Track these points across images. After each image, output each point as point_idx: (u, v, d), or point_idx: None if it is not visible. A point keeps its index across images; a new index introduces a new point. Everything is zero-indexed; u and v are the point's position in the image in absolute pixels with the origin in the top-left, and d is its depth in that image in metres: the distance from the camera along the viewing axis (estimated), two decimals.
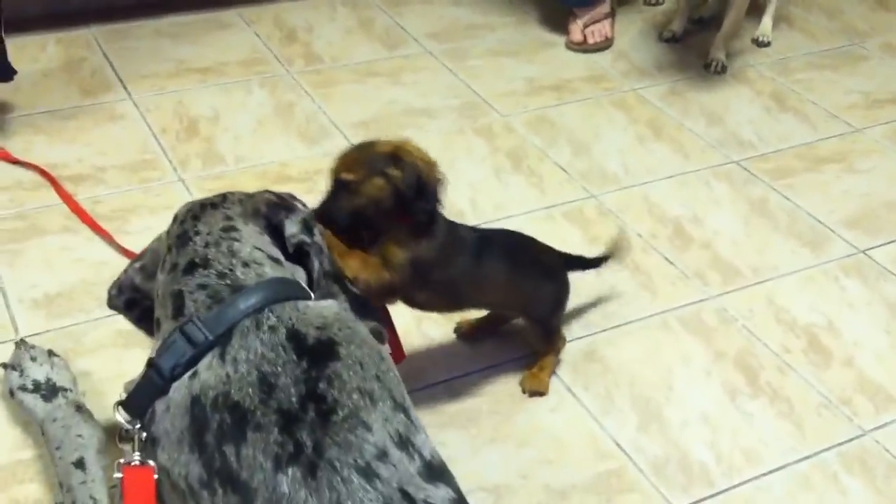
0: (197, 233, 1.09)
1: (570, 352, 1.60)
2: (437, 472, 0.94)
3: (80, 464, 1.24)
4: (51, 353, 1.44)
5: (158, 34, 2.47)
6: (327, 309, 1.03)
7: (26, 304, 1.61)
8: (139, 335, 1.53)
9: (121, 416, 1.01)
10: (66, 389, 1.38)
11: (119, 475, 0.96)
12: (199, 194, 1.88)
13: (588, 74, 2.50)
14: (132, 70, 2.31)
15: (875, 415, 1.56)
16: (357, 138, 2.13)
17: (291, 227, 1.14)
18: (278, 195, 1.19)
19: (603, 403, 1.53)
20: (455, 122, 2.24)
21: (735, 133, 2.30)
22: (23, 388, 1.38)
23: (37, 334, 1.55)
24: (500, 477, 1.39)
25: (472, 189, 2.00)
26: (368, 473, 0.90)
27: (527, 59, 2.55)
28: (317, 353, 0.97)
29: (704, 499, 1.40)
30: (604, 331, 1.67)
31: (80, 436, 1.28)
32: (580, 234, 1.90)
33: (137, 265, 1.21)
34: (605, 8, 2.64)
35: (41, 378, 1.39)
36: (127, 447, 0.99)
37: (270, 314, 0.99)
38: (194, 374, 0.97)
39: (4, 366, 1.42)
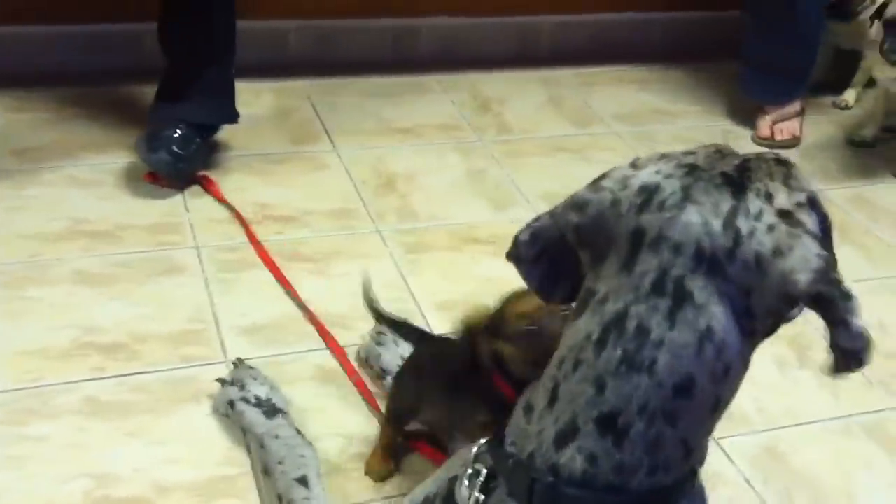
0: None
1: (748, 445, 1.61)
2: None
3: (303, 481, 1.33)
4: (266, 377, 1.55)
5: (364, 93, 2.63)
6: None
7: (235, 331, 1.73)
8: (338, 372, 1.64)
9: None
10: (284, 411, 1.48)
11: None
12: (393, 246, 1.99)
13: None
14: (338, 124, 2.46)
15: None
16: (542, 208, 2.20)
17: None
18: None
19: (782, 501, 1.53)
20: None
21: None
22: (245, 401, 1.48)
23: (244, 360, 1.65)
24: None
25: None
26: None
27: None
28: None
29: None
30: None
31: (302, 456, 1.38)
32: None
33: (574, 217, 0.89)
34: (795, 107, 2.65)
35: (262, 395, 1.49)
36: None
37: None
38: None
39: (223, 381, 1.54)
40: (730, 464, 1.57)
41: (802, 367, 1.80)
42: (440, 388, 1.31)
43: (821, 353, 1.84)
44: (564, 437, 0.81)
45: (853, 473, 1.59)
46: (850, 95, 2.87)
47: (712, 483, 1.53)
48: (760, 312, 0.80)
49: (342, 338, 1.70)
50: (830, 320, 0.78)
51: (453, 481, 0.91)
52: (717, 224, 0.78)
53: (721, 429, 1.61)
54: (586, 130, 2.61)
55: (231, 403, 1.49)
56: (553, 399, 0.83)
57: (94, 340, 1.67)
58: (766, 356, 1.81)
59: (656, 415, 0.79)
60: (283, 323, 1.75)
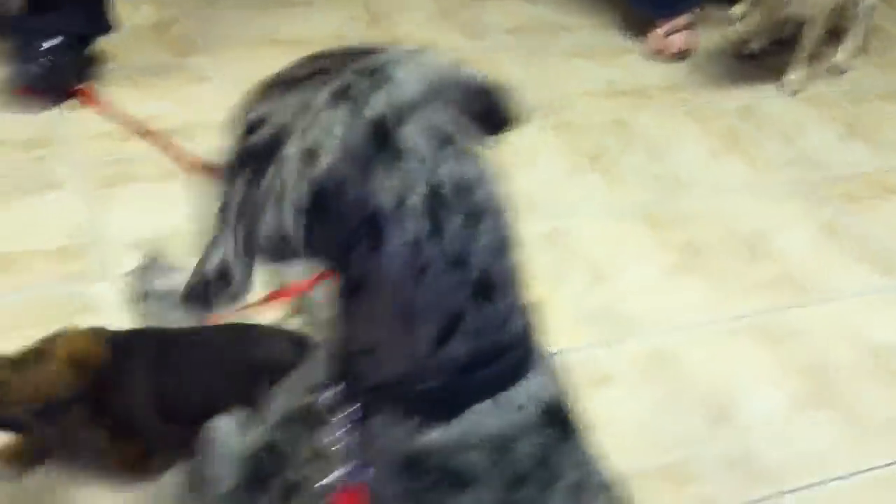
0: None
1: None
2: None
3: None
4: None
5: (248, 5, 2.53)
6: None
7: (119, 246, 1.67)
8: None
9: None
10: None
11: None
12: None
13: (664, 83, 2.53)
14: (222, 36, 2.36)
15: None
16: None
17: None
18: None
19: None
20: (533, 118, 2.28)
21: (806, 154, 2.32)
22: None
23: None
24: None
25: (549, 185, 2.04)
26: None
27: (605, 62, 2.58)
28: None
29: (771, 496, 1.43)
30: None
31: None
32: (651, 235, 1.93)
33: None
34: (685, 19, 2.66)
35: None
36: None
37: None
38: None
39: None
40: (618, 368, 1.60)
41: (695, 281, 1.83)
42: None
43: (712, 262, 1.87)
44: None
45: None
46: (739, 8, 2.90)
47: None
48: None
49: None
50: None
51: None
52: None
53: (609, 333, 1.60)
54: (479, 44, 2.57)
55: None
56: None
57: None
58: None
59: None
60: (170, 236, 1.69)
